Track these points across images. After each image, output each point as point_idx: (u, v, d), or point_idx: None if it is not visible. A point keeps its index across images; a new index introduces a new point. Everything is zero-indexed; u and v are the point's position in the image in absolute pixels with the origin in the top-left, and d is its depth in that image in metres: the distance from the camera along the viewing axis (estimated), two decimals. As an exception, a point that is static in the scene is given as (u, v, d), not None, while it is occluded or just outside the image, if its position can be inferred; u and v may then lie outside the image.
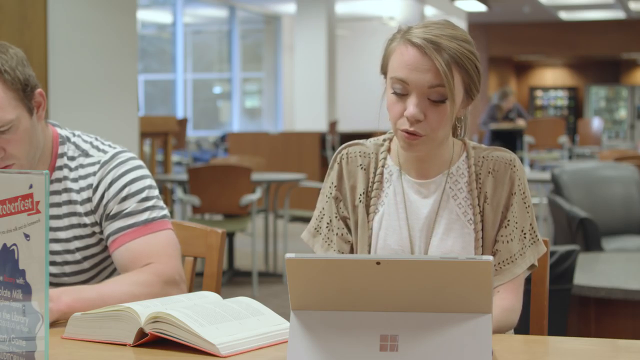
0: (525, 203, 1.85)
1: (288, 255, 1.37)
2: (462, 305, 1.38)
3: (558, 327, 3.19)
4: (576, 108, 22.60)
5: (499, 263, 1.83)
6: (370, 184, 1.89)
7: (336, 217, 1.90)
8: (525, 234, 1.85)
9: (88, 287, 1.86)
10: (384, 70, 1.83)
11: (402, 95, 1.76)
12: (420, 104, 1.74)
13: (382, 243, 1.86)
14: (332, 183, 1.91)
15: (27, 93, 1.91)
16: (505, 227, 1.84)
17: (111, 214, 2.00)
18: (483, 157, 1.86)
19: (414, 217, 1.86)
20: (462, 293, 1.37)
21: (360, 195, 1.89)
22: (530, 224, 1.85)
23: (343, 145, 1.93)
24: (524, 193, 1.85)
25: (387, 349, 1.39)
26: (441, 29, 1.76)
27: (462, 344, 1.39)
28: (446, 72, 1.71)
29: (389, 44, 1.82)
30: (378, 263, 1.36)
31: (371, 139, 1.94)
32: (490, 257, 1.34)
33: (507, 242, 1.84)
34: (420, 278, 1.37)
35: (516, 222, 1.84)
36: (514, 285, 1.83)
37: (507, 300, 1.81)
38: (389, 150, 1.91)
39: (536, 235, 1.86)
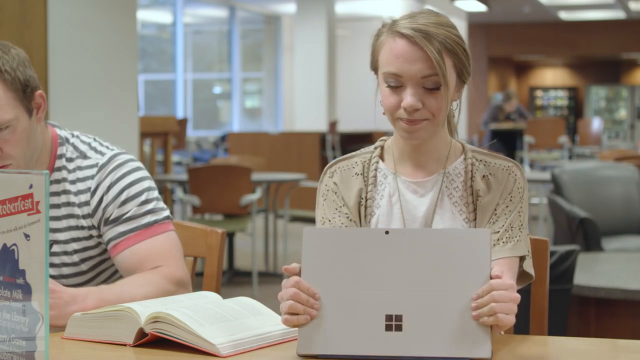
0: (521, 207, 1.83)
1: (307, 228, 1.50)
2: (461, 277, 1.50)
3: (558, 327, 3.19)
4: (576, 108, 22.60)
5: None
6: (364, 188, 1.88)
7: (338, 212, 1.87)
8: (513, 228, 1.81)
9: (109, 288, 1.86)
10: (374, 67, 1.83)
11: (396, 88, 1.76)
12: (416, 94, 1.75)
13: None
14: (325, 192, 1.89)
15: (26, 94, 1.91)
16: (493, 223, 1.82)
17: (111, 218, 1.99)
18: (481, 160, 1.86)
19: (410, 217, 1.85)
20: (462, 263, 1.50)
21: (357, 199, 1.87)
22: (520, 227, 1.81)
23: (332, 162, 1.91)
24: (521, 198, 1.83)
25: (392, 329, 1.49)
26: (426, 18, 1.77)
27: (464, 326, 1.49)
28: (438, 60, 1.72)
29: (375, 39, 1.82)
30: (387, 232, 1.51)
31: (361, 150, 1.93)
32: (487, 230, 1.51)
33: (498, 229, 1.80)
34: (424, 248, 1.51)
35: (510, 211, 1.81)
36: (509, 270, 1.77)
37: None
38: (380, 155, 1.90)
39: (519, 236, 1.81)
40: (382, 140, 1.93)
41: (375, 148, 1.92)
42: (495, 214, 1.83)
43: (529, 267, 1.83)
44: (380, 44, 1.80)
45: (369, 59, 1.84)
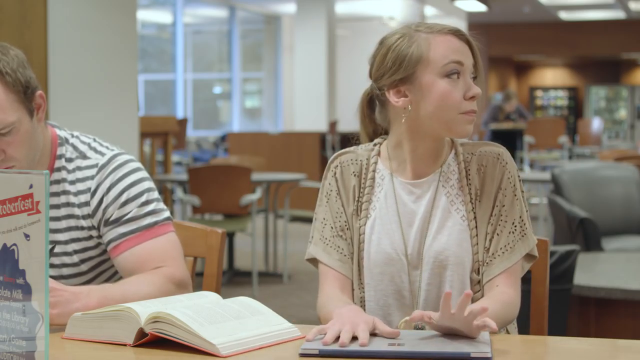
0: (515, 196, 1.84)
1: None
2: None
3: (558, 327, 3.19)
4: (576, 108, 22.59)
5: (489, 256, 1.83)
6: (361, 189, 1.90)
7: (338, 221, 1.90)
8: (515, 226, 1.83)
9: (113, 286, 1.86)
10: (411, 70, 1.81)
11: (456, 80, 1.80)
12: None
13: (375, 247, 1.86)
14: (328, 192, 1.92)
15: (27, 95, 1.91)
16: (492, 223, 1.84)
17: (111, 219, 1.99)
18: (472, 153, 1.87)
19: (407, 219, 1.86)
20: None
21: (354, 201, 1.89)
22: (520, 217, 1.84)
23: (335, 155, 1.94)
24: (514, 186, 1.84)
25: (395, 345, 1.52)
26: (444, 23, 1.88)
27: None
28: (478, 52, 1.84)
29: (407, 45, 1.82)
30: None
31: (362, 146, 1.94)
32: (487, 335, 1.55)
33: (497, 234, 1.83)
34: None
35: (506, 216, 1.83)
36: (510, 279, 1.82)
37: (505, 295, 1.80)
38: (379, 154, 1.92)
39: (526, 228, 1.84)
40: (382, 137, 1.94)
41: (375, 145, 1.93)
42: (494, 214, 1.83)
43: (534, 250, 1.87)
44: (421, 45, 1.81)
45: (395, 70, 1.83)
